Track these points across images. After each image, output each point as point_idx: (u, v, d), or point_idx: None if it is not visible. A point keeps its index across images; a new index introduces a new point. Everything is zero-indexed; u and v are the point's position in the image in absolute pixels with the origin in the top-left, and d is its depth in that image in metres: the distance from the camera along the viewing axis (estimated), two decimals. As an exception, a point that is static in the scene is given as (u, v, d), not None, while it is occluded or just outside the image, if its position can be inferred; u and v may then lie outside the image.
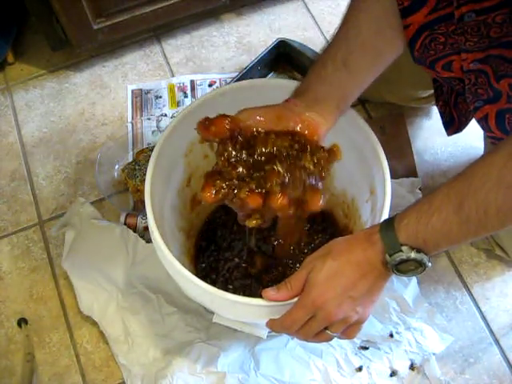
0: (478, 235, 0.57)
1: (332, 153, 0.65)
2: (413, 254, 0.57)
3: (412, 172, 1.06)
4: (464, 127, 0.84)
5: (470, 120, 0.81)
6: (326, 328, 0.63)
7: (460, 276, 1.00)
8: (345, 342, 0.90)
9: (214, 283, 0.91)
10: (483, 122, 0.71)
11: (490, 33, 0.58)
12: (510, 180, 0.52)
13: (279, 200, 0.59)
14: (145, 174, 0.75)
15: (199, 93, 1.21)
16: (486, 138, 0.90)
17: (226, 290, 0.88)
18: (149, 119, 1.16)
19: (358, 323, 0.64)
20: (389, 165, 0.73)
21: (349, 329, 0.64)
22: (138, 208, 1.05)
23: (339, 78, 0.65)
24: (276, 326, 0.65)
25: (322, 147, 0.64)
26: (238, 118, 0.62)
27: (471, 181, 0.55)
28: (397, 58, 0.84)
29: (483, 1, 0.55)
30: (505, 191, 0.52)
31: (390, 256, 0.58)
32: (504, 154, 0.53)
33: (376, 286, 0.62)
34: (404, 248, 0.57)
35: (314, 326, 0.62)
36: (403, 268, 0.59)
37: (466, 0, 0.57)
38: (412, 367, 0.90)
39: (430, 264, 0.59)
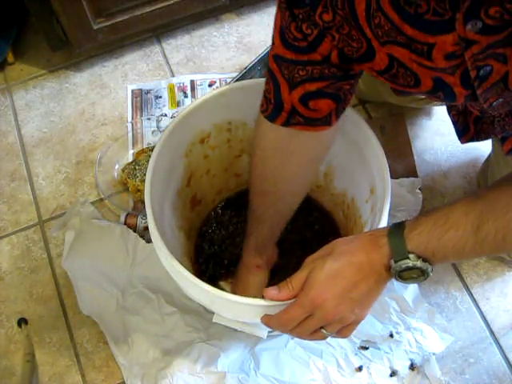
0: (490, 255, 0.58)
1: None
2: (419, 263, 0.57)
3: (412, 172, 1.06)
4: (479, 141, 0.80)
5: (489, 138, 0.79)
6: (321, 327, 0.63)
7: (460, 276, 1.00)
8: (345, 342, 0.90)
9: (213, 283, 0.91)
10: (510, 154, 0.70)
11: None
12: None
13: None
14: (145, 174, 0.75)
15: (199, 93, 1.21)
16: (493, 140, 0.88)
17: (226, 289, 0.88)
18: (149, 119, 1.16)
19: (354, 323, 0.64)
20: (389, 165, 0.73)
21: (344, 328, 0.64)
22: (138, 208, 1.05)
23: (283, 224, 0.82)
24: (272, 323, 0.65)
25: None
26: None
27: (494, 204, 0.54)
28: None
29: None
30: None
31: (396, 262, 0.58)
32: None
33: (375, 290, 0.62)
34: (411, 256, 0.57)
35: (310, 324, 0.62)
36: (406, 275, 0.59)
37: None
38: (412, 367, 0.90)
39: (431, 274, 0.58)
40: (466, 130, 0.81)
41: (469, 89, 0.52)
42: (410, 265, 0.57)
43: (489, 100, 0.53)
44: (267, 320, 0.66)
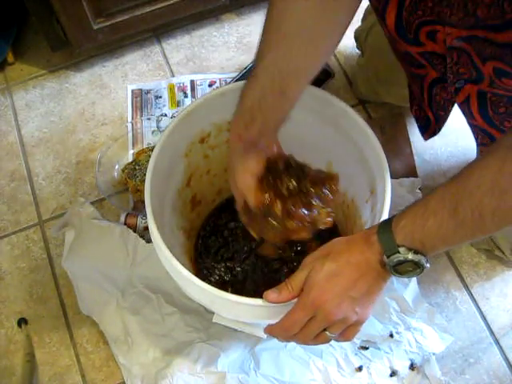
0: (475, 237, 0.57)
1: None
2: (410, 256, 0.57)
3: (412, 172, 1.07)
4: (441, 126, 0.82)
5: (449, 113, 0.79)
6: (324, 329, 0.63)
7: (460, 276, 1.00)
8: (345, 342, 0.90)
9: (213, 283, 0.91)
10: (465, 107, 0.69)
11: (476, 11, 0.56)
12: (504, 185, 0.52)
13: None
14: (145, 174, 0.75)
15: (199, 93, 1.21)
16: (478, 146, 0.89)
17: (226, 290, 0.88)
18: (149, 119, 1.16)
19: (357, 324, 0.64)
20: (389, 165, 0.73)
21: (347, 330, 0.64)
22: (138, 208, 1.05)
23: (282, 104, 0.69)
24: (275, 331, 0.65)
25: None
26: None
27: (466, 184, 0.54)
28: (394, 60, 0.84)
29: None
30: (499, 195, 0.52)
31: (388, 257, 0.58)
32: (498, 158, 0.53)
33: (375, 287, 0.62)
34: (401, 249, 0.57)
35: (314, 326, 0.62)
36: (401, 269, 0.59)
37: None
38: (412, 367, 0.90)
39: (428, 265, 0.59)
40: (428, 124, 0.82)
41: None
42: (402, 258, 0.57)
43: None
44: (270, 330, 0.66)
